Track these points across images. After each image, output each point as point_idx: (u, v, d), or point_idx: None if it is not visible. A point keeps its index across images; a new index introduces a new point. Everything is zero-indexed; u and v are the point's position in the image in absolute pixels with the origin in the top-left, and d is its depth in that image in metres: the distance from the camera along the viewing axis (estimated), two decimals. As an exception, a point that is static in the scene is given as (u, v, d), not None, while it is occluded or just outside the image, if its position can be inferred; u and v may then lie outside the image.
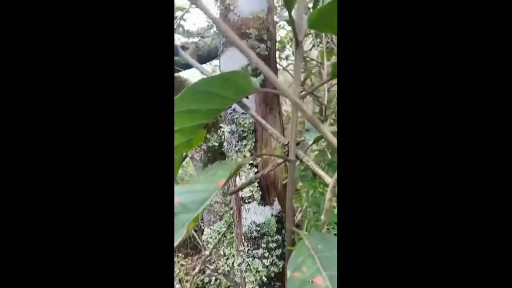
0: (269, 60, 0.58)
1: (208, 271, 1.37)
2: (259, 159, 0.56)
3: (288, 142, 0.39)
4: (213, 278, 1.38)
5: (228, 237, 1.25)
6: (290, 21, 0.32)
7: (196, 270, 1.32)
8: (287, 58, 1.51)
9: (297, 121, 0.37)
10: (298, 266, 0.31)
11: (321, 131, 0.22)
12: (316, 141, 0.40)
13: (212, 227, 1.28)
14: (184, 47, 1.26)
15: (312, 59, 1.36)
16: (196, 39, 1.62)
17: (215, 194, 0.29)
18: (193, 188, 0.32)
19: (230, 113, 0.56)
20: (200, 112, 0.37)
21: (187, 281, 1.38)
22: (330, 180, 0.34)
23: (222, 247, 1.29)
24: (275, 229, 0.55)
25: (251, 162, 0.54)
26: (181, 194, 0.31)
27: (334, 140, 0.21)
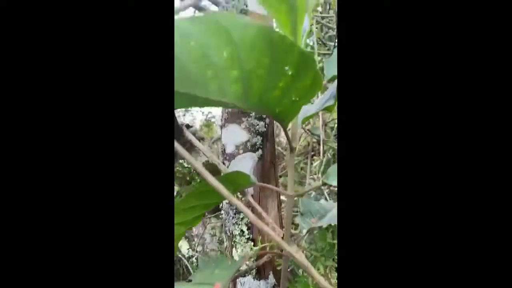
0: (267, 135, 0.61)
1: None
2: (256, 229, 0.58)
3: (284, 235, 0.41)
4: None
5: None
6: (285, 134, 0.35)
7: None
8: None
9: (290, 217, 0.39)
10: None
11: (312, 275, 0.24)
12: (308, 231, 0.42)
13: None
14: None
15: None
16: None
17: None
18: (191, 290, 0.33)
19: (229, 185, 0.59)
20: (200, 206, 0.40)
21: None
22: (323, 282, 0.36)
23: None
24: (270, 305, 0.55)
25: (247, 236, 0.56)
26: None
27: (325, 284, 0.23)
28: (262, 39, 0.18)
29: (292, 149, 0.37)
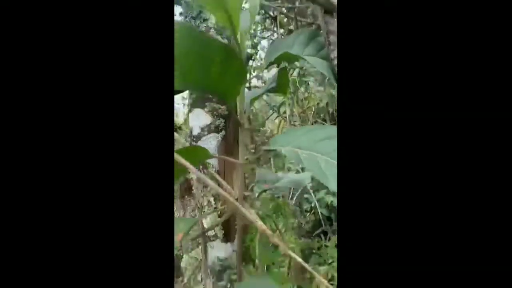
0: (230, 117, 0.68)
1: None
2: (221, 201, 0.66)
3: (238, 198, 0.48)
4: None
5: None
6: (234, 112, 0.43)
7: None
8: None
9: (242, 180, 0.47)
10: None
11: (259, 227, 0.31)
12: (260, 194, 0.50)
13: (190, 254, 1.35)
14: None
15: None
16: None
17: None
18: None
19: (197, 162, 0.66)
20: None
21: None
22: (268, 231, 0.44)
23: (200, 274, 1.36)
24: (236, 263, 0.64)
25: (215, 206, 0.64)
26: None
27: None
28: (187, 36, 0.26)
29: (240, 124, 0.45)
